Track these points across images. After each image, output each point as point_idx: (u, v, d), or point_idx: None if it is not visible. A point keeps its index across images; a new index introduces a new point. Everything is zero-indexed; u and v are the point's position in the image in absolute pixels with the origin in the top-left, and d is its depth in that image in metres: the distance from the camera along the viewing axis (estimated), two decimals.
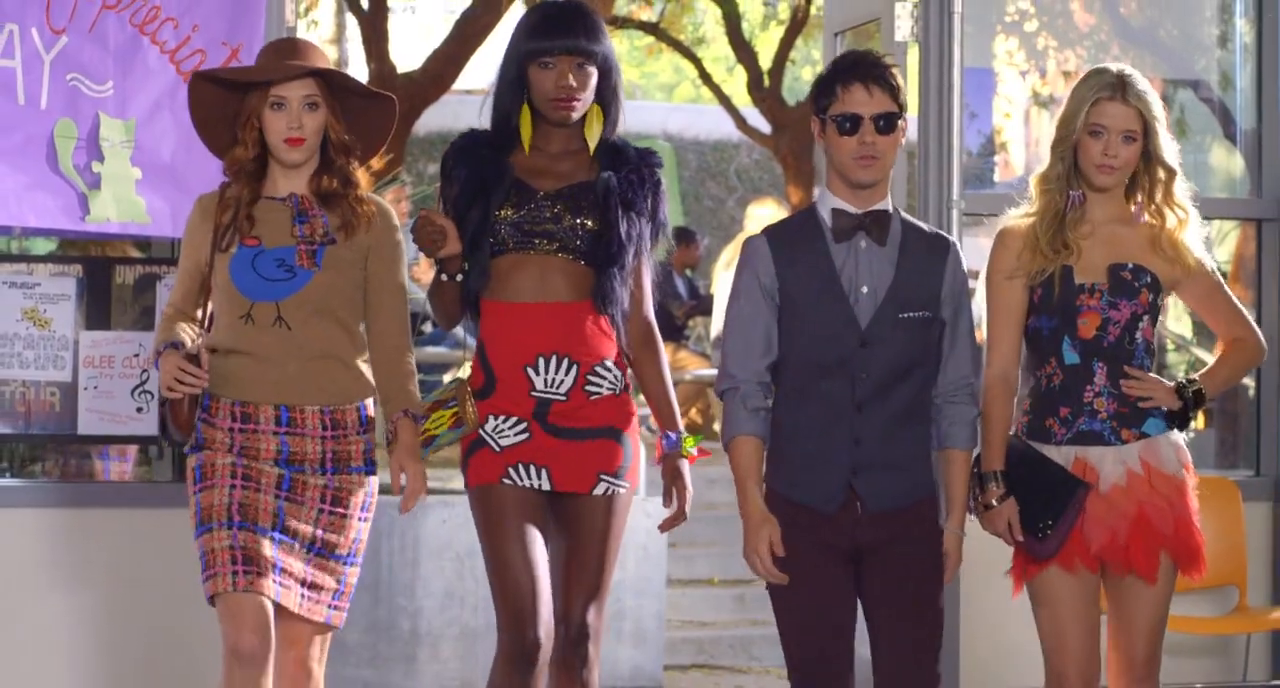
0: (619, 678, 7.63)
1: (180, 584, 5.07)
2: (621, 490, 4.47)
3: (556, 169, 4.48)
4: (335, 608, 4.46)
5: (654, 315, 4.59)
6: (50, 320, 5.44)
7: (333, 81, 4.46)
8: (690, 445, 4.52)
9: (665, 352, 4.63)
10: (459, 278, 4.45)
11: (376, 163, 4.62)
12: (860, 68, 4.19)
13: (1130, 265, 4.44)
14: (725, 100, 16.14)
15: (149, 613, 5.39)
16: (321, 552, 4.41)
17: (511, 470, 4.39)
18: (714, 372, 4.60)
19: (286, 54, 4.45)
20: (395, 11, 14.03)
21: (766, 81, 15.05)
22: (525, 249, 4.43)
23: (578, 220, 4.43)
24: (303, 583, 4.38)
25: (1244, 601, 6.10)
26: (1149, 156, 4.46)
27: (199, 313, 4.51)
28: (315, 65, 4.43)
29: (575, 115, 4.46)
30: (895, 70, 4.21)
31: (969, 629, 5.64)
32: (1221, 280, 4.58)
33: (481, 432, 4.42)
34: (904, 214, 4.31)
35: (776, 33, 16.05)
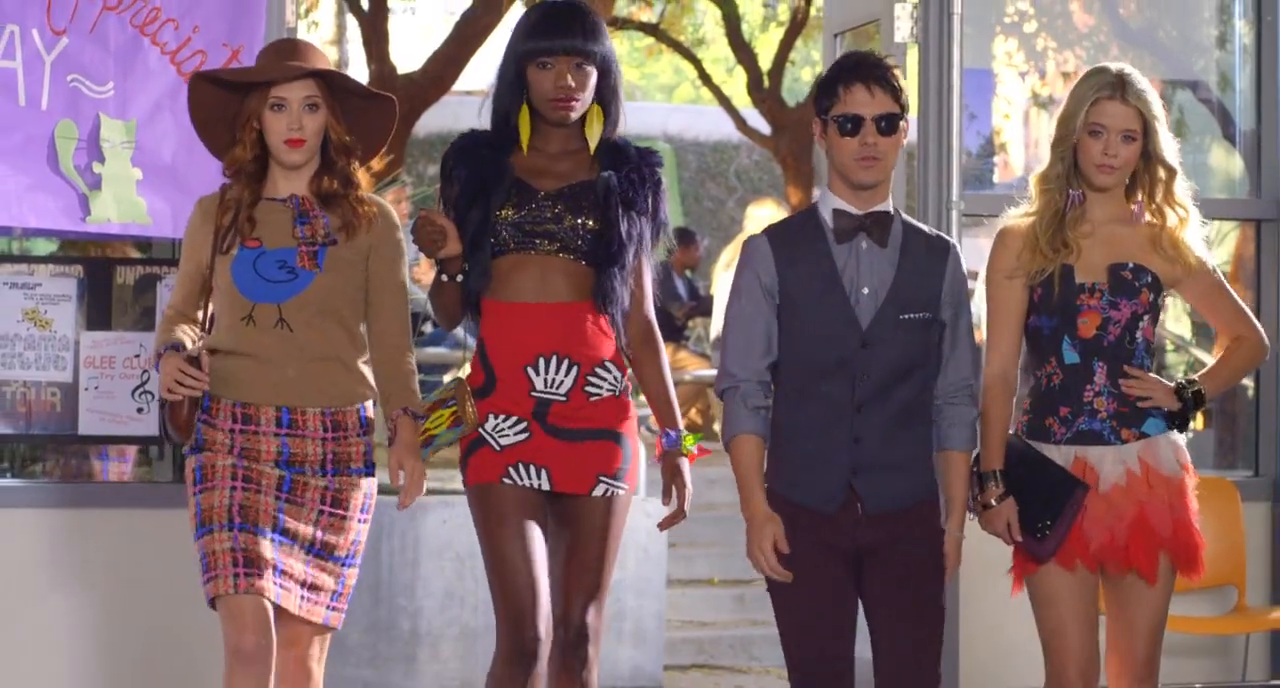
0: (619, 678, 7.63)
1: (180, 585, 5.07)
2: (620, 492, 4.47)
3: (557, 169, 4.48)
4: (334, 609, 4.46)
5: (654, 314, 4.59)
6: (51, 321, 5.45)
7: (333, 82, 4.46)
8: (690, 444, 4.52)
9: (665, 351, 4.63)
10: (459, 278, 4.45)
11: (377, 164, 4.63)
12: (862, 69, 4.19)
13: (1130, 265, 4.44)
14: (725, 101, 16.15)
15: (149, 613, 5.39)
16: (321, 553, 4.41)
17: (511, 470, 4.39)
18: (714, 372, 4.60)
19: (287, 55, 4.45)
20: (395, 12, 14.03)
21: (766, 82, 15.06)
22: (526, 249, 4.43)
23: (579, 220, 4.43)
24: (302, 584, 4.38)
25: (1243, 601, 6.10)
26: (1149, 156, 4.46)
27: (199, 314, 4.51)
28: (315, 66, 4.43)
29: (574, 115, 4.46)
30: (897, 71, 4.21)
31: (968, 630, 5.64)
32: (1223, 279, 4.58)
33: (481, 431, 4.42)
34: (904, 215, 4.31)
35: (776, 34, 16.05)
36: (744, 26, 15.83)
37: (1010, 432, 4.47)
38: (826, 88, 4.22)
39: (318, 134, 4.44)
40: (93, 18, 5.31)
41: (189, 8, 5.35)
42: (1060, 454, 4.43)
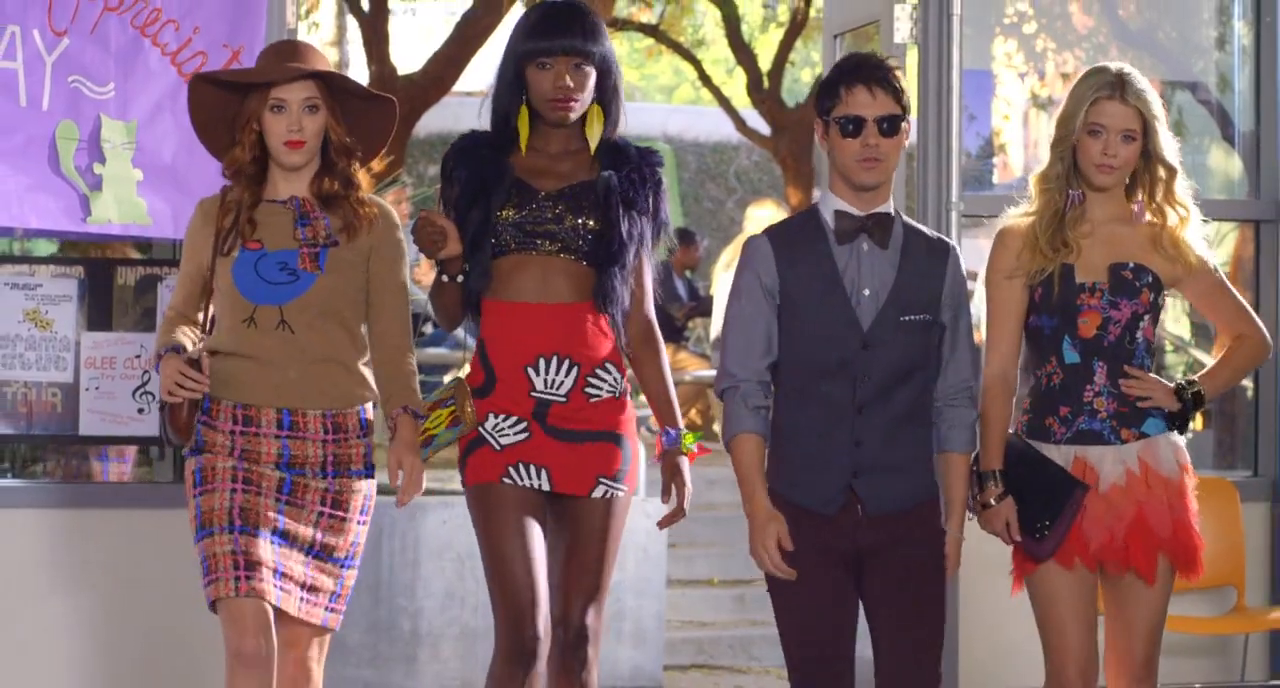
0: (619, 678, 7.64)
1: (181, 585, 5.07)
2: (620, 494, 4.47)
3: (557, 169, 4.49)
4: (332, 611, 4.46)
5: (655, 314, 4.59)
6: (52, 322, 5.45)
7: (333, 84, 4.46)
8: (690, 442, 4.51)
9: (665, 350, 4.63)
10: (459, 279, 4.45)
11: (377, 164, 4.63)
12: (864, 70, 4.19)
13: (1131, 265, 4.44)
14: (725, 102, 16.16)
15: (150, 614, 5.39)
16: (320, 555, 4.42)
17: (512, 470, 4.40)
18: (714, 373, 4.60)
19: (287, 57, 4.46)
20: (396, 13, 14.03)
21: (766, 83, 15.07)
22: (527, 250, 4.43)
23: (579, 221, 4.43)
24: (302, 586, 4.38)
25: (1242, 601, 6.11)
26: (1149, 155, 4.45)
27: (200, 316, 4.51)
28: (315, 68, 4.43)
29: (573, 116, 4.46)
30: (899, 72, 4.20)
31: (967, 630, 5.65)
32: (1224, 277, 4.58)
33: (481, 430, 4.42)
34: (905, 217, 4.31)
35: (776, 35, 16.06)
36: (744, 27, 15.84)
37: (1010, 431, 4.48)
38: (828, 89, 4.22)
39: (317, 136, 4.44)
40: (94, 19, 5.31)
41: (190, 9, 5.36)
42: (1060, 454, 4.43)
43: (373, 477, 4.49)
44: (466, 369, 4.53)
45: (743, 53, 15.29)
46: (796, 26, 14.95)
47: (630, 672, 7.71)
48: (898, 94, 4.18)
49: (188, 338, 4.43)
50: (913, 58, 5.83)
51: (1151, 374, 4.47)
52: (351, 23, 14.31)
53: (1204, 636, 6.10)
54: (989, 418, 4.43)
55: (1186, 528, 4.42)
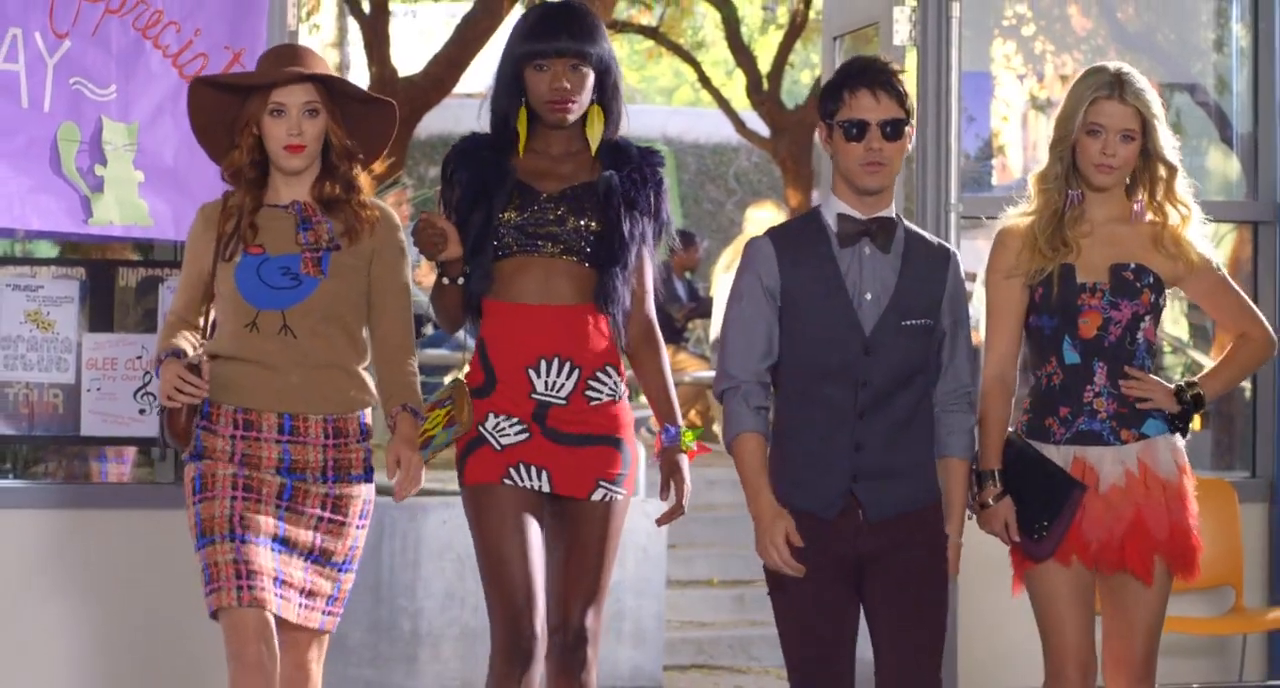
0: (619, 678, 7.65)
1: (181, 585, 5.08)
2: (619, 497, 4.47)
3: (558, 171, 4.49)
4: (330, 614, 4.46)
5: (655, 313, 4.59)
6: (53, 323, 5.46)
7: (332, 87, 4.46)
8: (690, 440, 4.51)
9: (665, 350, 4.63)
10: (460, 281, 4.46)
11: (378, 166, 4.62)
12: (867, 74, 4.19)
13: (1132, 265, 4.43)
14: (724, 104, 16.17)
15: (151, 614, 5.39)
16: (319, 560, 4.41)
17: (513, 470, 4.40)
18: (713, 373, 4.60)
19: (286, 61, 4.45)
20: (396, 15, 14.05)
21: (765, 85, 15.08)
22: (529, 252, 4.43)
23: (581, 222, 4.44)
24: (301, 591, 4.38)
25: (1240, 601, 6.11)
26: (1149, 154, 4.45)
27: (201, 321, 4.51)
28: (314, 71, 4.43)
29: (571, 117, 4.47)
30: (902, 77, 4.20)
31: (967, 630, 5.65)
32: (1226, 275, 4.57)
33: (481, 429, 4.42)
34: (907, 222, 4.30)
35: (775, 37, 16.08)
36: (743, 29, 15.86)
37: (1010, 430, 4.47)
38: (831, 93, 4.22)
39: (317, 139, 4.43)
40: (95, 21, 5.31)
41: (191, 11, 5.36)
42: (1059, 454, 4.43)
43: (372, 481, 4.49)
44: (466, 369, 4.54)
45: (742, 55, 15.31)
46: (796, 28, 14.96)
47: (630, 672, 7.72)
48: (901, 98, 4.18)
49: (188, 342, 4.43)
50: (912, 59, 5.84)
51: (1152, 375, 4.47)
52: (352, 25, 14.33)
53: (1202, 636, 6.11)
54: (987, 418, 4.43)
55: (1184, 530, 4.42)
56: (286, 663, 4.41)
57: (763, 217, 11.68)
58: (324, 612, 4.44)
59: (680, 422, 4.56)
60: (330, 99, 4.44)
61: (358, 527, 4.47)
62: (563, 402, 4.42)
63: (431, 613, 7.43)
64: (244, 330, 4.40)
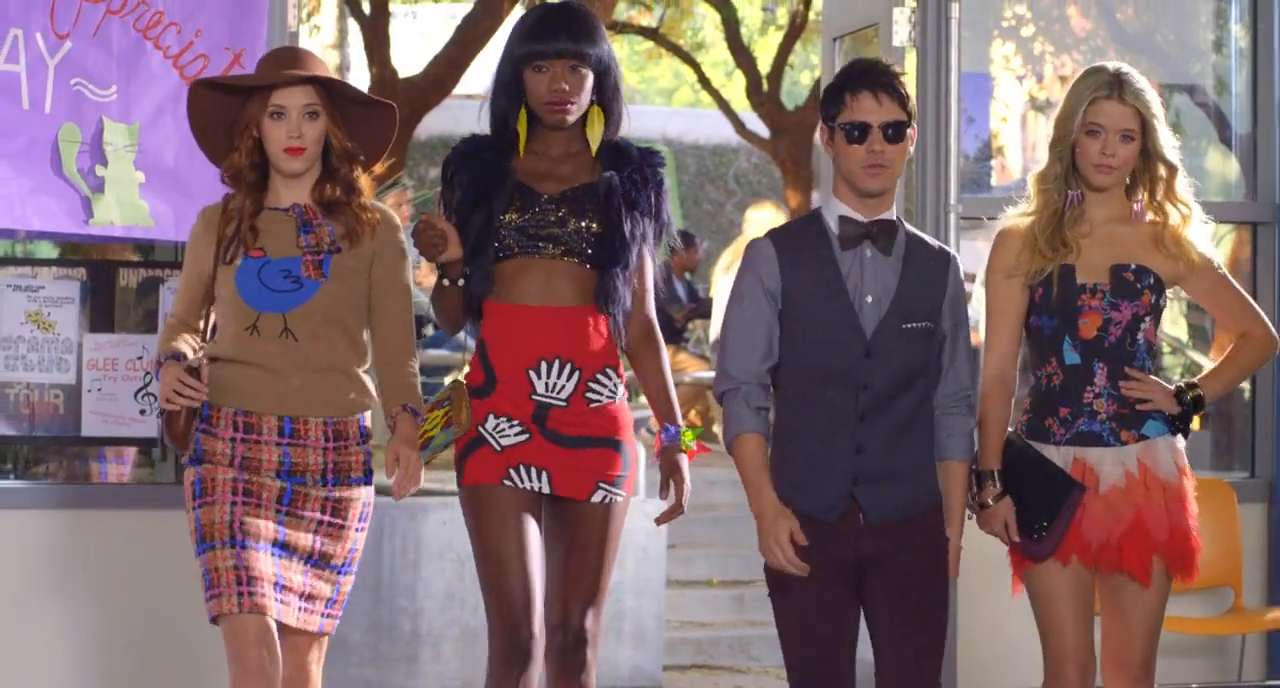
0: (619, 678, 7.65)
1: (182, 586, 5.08)
2: (619, 499, 4.47)
3: (559, 172, 4.49)
4: (329, 616, 4.46)
5: (655, 313, 4.59)
6: (54, 323, 5.47)
7: (332, 90, 4.45)
8: (689, 439, 4.51)
9: (665, 349, 4.62)
10: (460, 283, 4.46)
11: (378, 167, 4.62)
12: (869, 76, 4.18)
13: (1133, 266, 4.43)
14: (724, 105, 16.18)
15: (151, 614, 5.40)
16: (318, 563, 4.41)
17: (513, 472, 4.40)
18: (713, 374, 4.60)
19: (286, 63, 4.45)
20: (397, 16, 14.07)
21: (765, 86, 15.09)
22: (530, 253, 4.43)
23: (582, 224, 4.44)
24: (300, 595, 4.38)
25: (1239, 601, 6.12)
26: (1149, 154, 4.44)
27: (201, 324, 4.51)
28: (314, 73, 4.43)
29: (570, 118, 4.47)
30: (904, 79, 4.19)
31: (966, 631, 5.65)
32: (1227, 275, 4.56)
33: (481, 430, 4.42)
34: (908, 225, 4.29)
35: (775, 38, 16.09)
36: (743, 30, 15.87)
37: (1010, 430, 4.47)
38: (833, 95, 4.21)
39: (317, 142, 4.43)
40: (96, 22, 5.32)
41: (191, 12, 5.36)
42: (1059, 455, 4.43)
43: (371, 484, 4.49)
44: (466, 370, 4.54)
45: (742, 56, 15.32)
46: (795, 29, 14.97)
47: (630, 672, 7.73)
48: (903, 100, 4.18)
49: (188, 345, 4.42)
50: (911, 60, 5.85)
51: (1152, 377, 4.46)
52: (353, 26, 14.33)
53: (1201, 636, 6.11)
54: (987, 419, 4.43)
55: (1184, 531, 4.42)
56: (287, 664, 4.41)
57: (762, 218, 11.68)
58: (323, 615, 4.44)
59: (680, 422, 4.56)
60: (330, 101, 4.44)
61: (357, 530, 4.47)
62: (563, 403, 4.43)
63: (432, 613, 7.43)
64: (244, 333, 4.40)
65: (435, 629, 7.43)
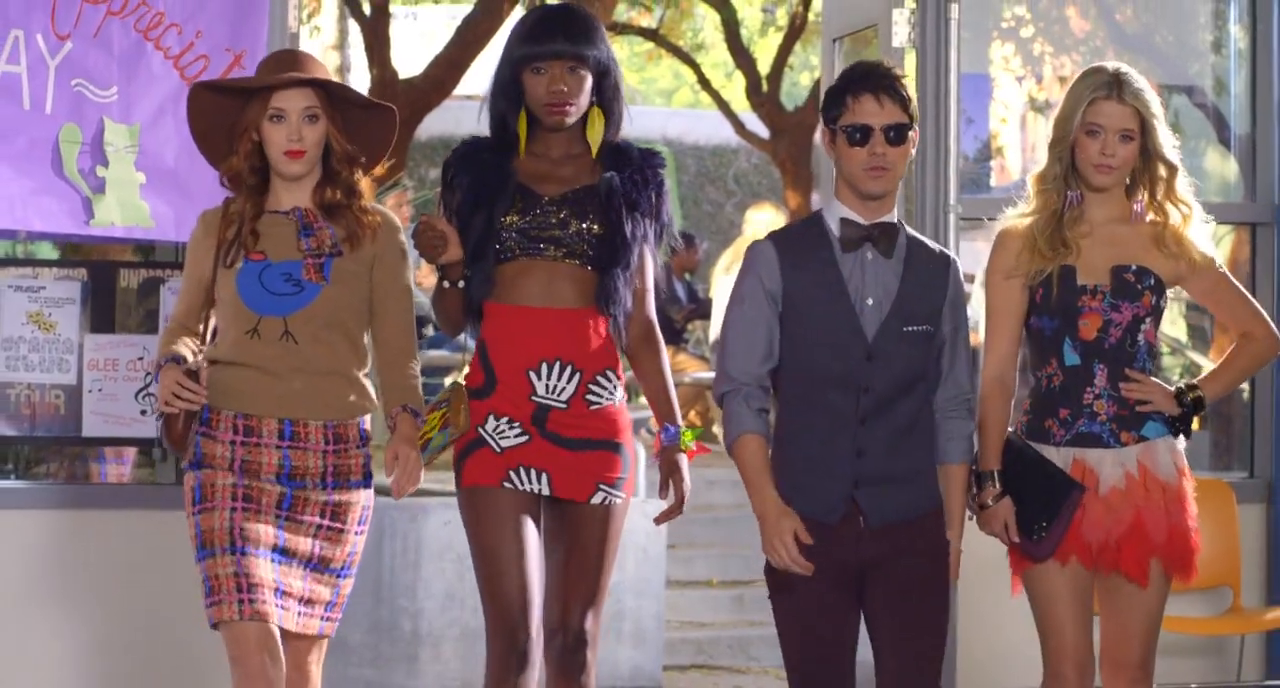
0: (619, 678, 7.66)
1: (182, 586, 5.07)
2: (618, 500, 4.47)
3: (559, 174, 4.49)
4: (328, 620, 4.46)
5: (655, 314, 4.59)
6: (55, 324, 5.47)
7: (332, 93, 4.45)
8: (689, 439, 4.51)
9: (665, 350, 4.62)
10: (461, 285, 4.46)
11: (379, 168, 4.63)
12: (871, 79, 4.18)
13: (1134, 267, 4.43)
14: (724, 105, 16.19)
15: (151, 615, 5.40)
16: (317, 567, 4.40)
17: (513, 473, 4.40)
18: (713, 374, 4.60)
19: (286, 66, 4.44)
20: (397, 17, 14.08)
21: (765, 87, 15.10)
22: (532, 255, 4.43)
23: (584, 226, 4.44)
24: (300, 600, 4.38)
25: (1238, 601, 6.12)
26: (1149, 153, 4.44)
27: (201, 327, 4.50)
28: (314, 76, 4.43)
29: (570, 120, 4.47)
30: (905, 81, 4.19)
31: (965, 631, 5.65)
32: (1229, 274, 4.55)
33: (481, 431, 4.42)
34: (909, 228, 4.29)
35: (775, 39, 16.10)
36: (743, 31, 15.88)
37: (1010, 431, 4.47)
38: (835, 97, 4.20)
39: (317, 145, 4.43)
40: (96, 22, 5.32)
41: (192, 13, 5.37)
42: (1059, 456, 4.42)
43: (371, 486, 4.49)
44: (467, 371, 4.54)
45: (742, 56, 15.32)
46: (795, 30, 14.98)
47: (630, 672, 7.73)
48: (904, 103, 4.17)
49: (187, 348, 4.42)
50: (911, 61, 5.85)
51: (1152, 378, 4.46)
52: (353, 27, 14.33)
53: (1200, 636, 6.11)
54: (987, 419, 4.43)
55: (1183, 533, 4.42)
56: (286, 666, 4.41)
57: (762, 218, 11.69)
58: (323, 618, 4.44)
59: (680, 422, 4.56)
60: (330, 104, 4.44)
61: (356, 533, 4.46)
62: (563, 405, 4.43)
63: (432, 613, 7.44)
64: (245, 337, 4.40)
65: (435, 630, 7.44)
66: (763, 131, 15.40)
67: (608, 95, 4.51)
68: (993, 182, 6.96)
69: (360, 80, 14.62)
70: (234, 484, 4.35)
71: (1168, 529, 4.40)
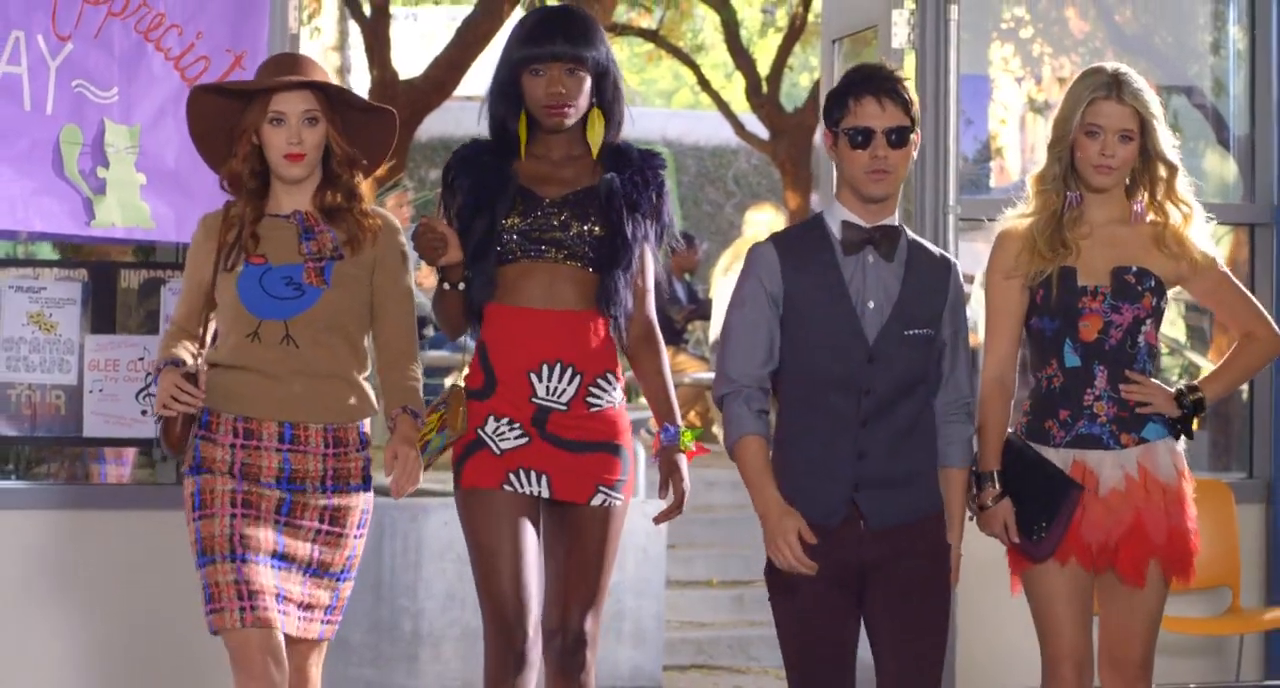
0: (619, 678, 7.66)
1: (183, 587, 5.06)
2: (618, 502, 4.47)
3: (560, 176, 4.49)
4: (328, 623, 4.46)
5: (655, 314, 4.59)
6: (56, 324, 5.48)
7: (332, 96, 4.45)
8: (688, 441, 4.51)
9: (665, 350, 4.62)
10: (461, 287, 4.46)
11: (379, 169, 4.63)
12: (873, 81, 4.17)
13: (1134, 268, 4.42)
14: (724, 106, 16.21)
15: (151, 615, 5.40)
16: (316, 572, 4.40)
17: (513, 476, 4.40)
18: (713, 374, 4.60)
19: (286, 69, 4.44)
20: (397, 18, 14.09)
21: (764, 88, 15.11)
22: (534, 257, 4.43)
23: (585, 228, 4.43)
24: (299, 605, 4.37)
25: (1237, 602, 6.13)
26: (1148, 154, 4.43)
27: (201, 331, 4.50)
28: (313, 79, 4.42)
29: (568, 121, 4.46)
30: (907, 84, 4.18)
31: (964, 631, 5.65)
32: (1230, 274, 4.55)
33: (480, 433, 4.42)
34: (910, 232, 4.29)
35: (774, 40, 16.11)
36: (742, 32, 15.90)
37: (1009, 431, 4.47)
38: (837, 100, 4.20)
39: (317, 148, 4.43)
40: (97, 23, 5.32)
41: (193, 14, 5.37)
42: (1059, 458, 4.42)
43: (370, 490, 4.48)
44: (466, 371, 4.54)
45: (741, 57, 15.34)
46: (795, 31, 14.99)
47: (630, 672, 7.74)
48: (906, 105, 4.16)
49: (187, 352, 4.42)
50: (910, 62, 5.85)
51: (1153, 380, 4.46)
52: (353, 28, 14.33)
53: (1199, 636, 6.12)
54: (986, 421, 4.43)
55: (1182, 535, 4.42)
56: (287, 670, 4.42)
57: (762, 219, 11.70)
58: (323, 621, 4.44)
59: (679, 422, 4.56)
60: (330, 108, 4.44)
61: (355, 537, 4.46)
62: (563, 407, 4.43)
63: (432, 613, 7.44)
64: (246, 340, 4.39)
65: (436, 629, 7.44)
66: (762, 132, 15.41)
67: (608, 97, 4.51)
68: (992, 182, 6.97)
69: (360, 81, 14.63)
70: (233, 490, 4.35)
71: (1167, 531, 4.40)
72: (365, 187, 4.53)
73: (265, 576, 4.29)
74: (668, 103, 24.12)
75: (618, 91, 4.53)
